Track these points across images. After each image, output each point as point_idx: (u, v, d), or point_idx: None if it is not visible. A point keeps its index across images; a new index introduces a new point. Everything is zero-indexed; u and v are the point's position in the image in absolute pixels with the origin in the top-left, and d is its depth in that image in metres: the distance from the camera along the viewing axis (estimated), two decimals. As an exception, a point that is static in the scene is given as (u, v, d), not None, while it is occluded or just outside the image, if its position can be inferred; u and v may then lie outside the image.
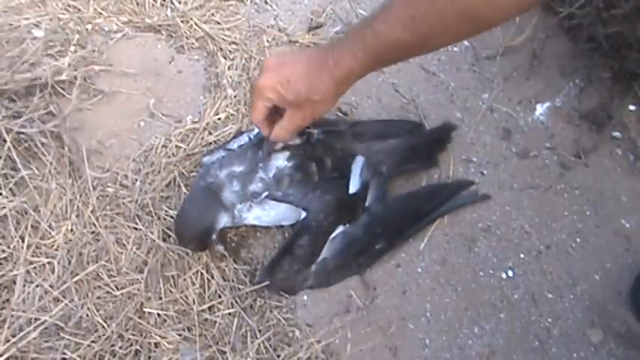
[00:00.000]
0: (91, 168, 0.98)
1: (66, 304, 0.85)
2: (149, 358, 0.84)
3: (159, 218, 0.94)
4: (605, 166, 1.05)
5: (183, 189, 0.97)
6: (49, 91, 1.02)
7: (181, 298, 0.88)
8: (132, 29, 1.15)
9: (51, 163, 0.96)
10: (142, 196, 0.95)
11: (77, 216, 0.93)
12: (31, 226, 0.90)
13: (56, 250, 0.90)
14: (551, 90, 1.12)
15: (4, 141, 0.93)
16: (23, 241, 0.89)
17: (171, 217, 0.94)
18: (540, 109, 1.10)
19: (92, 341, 0.83)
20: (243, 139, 0.94)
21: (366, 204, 0.93)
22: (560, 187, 1.03)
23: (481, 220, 0.99)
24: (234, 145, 0.93)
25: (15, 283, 0.86)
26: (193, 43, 1.15)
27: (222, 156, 0.91)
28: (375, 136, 1.00)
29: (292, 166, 0.90)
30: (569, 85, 1.12)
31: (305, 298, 0.91)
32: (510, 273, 0.95)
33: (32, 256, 0.89)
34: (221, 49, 1.13)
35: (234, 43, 1.15)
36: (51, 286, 0.86)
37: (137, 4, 1.18)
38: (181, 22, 1.15)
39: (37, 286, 0.86)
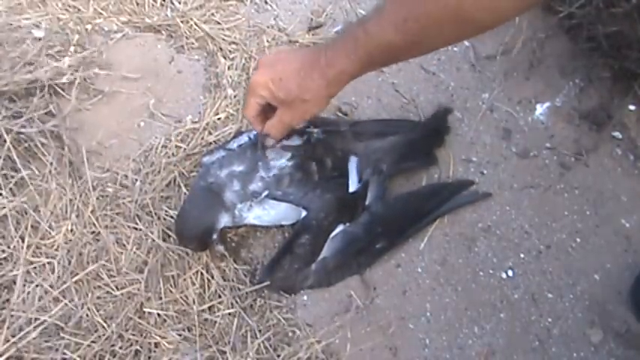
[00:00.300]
0: (91, 168, 0.98)
1: (66, 304, 0.85)
2: (149, 358, 0.84)
3: (159, 218, 0.94)
4: (605, 165, 1.05)
5: (183, 189, 0.97)
6: (49, 91, 1.02)
7: (181, 298, 0.88)
8: (132, 29, 1.15)
9: (51, 164, 0.96)
10: (142, 196, 0.95)
11: (77, 216, 0.93)
12: (31, 226, 0.91)
13: (56, 250, 0.90)
14: (551, 90, 1.12)
15: (4, 141, 0.93)
16: (23, 241, 0.89)
17: (172, 217, 0.94)
18: (540, 108, 1.10)
19: (92, 341, 0.83)
20: (243, 138, 0.94)
21: (367, 202, 0.93)
22: (560, 187, 1.03)
23: (481, 220, 0.99)
24: (234, 145, 0.93)
25: (15, 283, 0.86)
26: (193, 43, 1.15)
27: (222, 156, 0.91)
28: (374, 136, 1.00)
29: (292, 165, 0.90)
30: (569, 84, 1.12)
31: (305, 297, 0.91)
32: (510, 273, 0.95)
33: (32, 256, 0.89)
34: (221, 49, 1.13)
35: (234, 43, 1.15)
36: (51, 286, 0.86)
37: (137, 4, 1.18)
38: (181, 22, 1.15)
39: (37, 286, 0.86)
